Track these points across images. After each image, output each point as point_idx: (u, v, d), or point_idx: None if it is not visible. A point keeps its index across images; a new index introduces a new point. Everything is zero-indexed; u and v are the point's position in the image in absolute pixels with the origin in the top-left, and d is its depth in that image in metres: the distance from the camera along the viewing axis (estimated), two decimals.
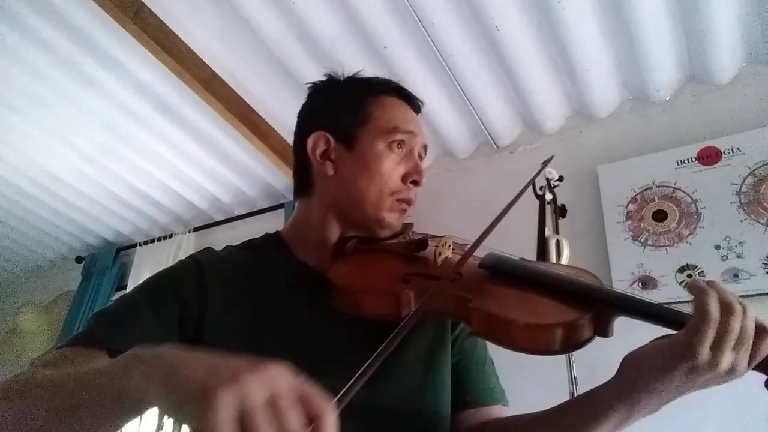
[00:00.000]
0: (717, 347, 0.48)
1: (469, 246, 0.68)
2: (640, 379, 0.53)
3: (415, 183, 0.79)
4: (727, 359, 0.48)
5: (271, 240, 0.84)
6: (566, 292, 0.61)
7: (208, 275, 0.71)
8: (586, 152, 2.00)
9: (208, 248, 0.81)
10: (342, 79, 0.85)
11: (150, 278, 0.73)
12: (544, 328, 0.57)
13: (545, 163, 0.82)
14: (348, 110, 0.80)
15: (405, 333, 0.51)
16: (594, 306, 0.58)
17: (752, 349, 0.49)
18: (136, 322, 0.65)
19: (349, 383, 0.44)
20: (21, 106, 2.33)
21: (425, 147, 0.84)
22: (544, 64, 1.88)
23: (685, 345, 0.49)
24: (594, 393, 0.61)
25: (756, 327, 0.49)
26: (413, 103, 0.85)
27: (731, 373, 0.49)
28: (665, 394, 0.52)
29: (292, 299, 0.73)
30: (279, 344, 0.68)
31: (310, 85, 0.87)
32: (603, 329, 0.58)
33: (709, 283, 0.52)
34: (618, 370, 0.56)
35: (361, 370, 0.46)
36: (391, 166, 0.77)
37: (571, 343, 0.57)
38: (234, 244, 0.83)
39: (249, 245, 0.83)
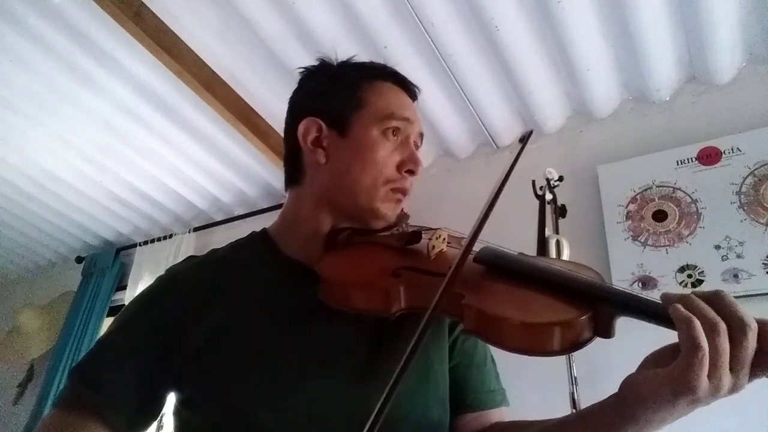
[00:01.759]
0: (714, 375, 0.45)
1: (465, 239, 0.64)
2: (641, 409, 0.50)
3: (411, 172, 0.75)
4: (726, 383, 0.45)
5: (257, 237, 0.81)
6: (565, 289, 0.57)
7: (186, 288, 0.70)
8: (586, 152, 2.00)
9: (191, 256, 0.80)
10: (335, 63, 0.82)
11: (127, 308, 0.72)
12: (541, 328, 0.54)
13: (524, 140, 0.76)
14: (341, 95, 0.76)
15: (422, 340, 0.49)
16: (594, 305, 0.54)
17: (756, 364, 0.46)
18: (116, 366, 0.64)
19: (378, 406, 0.45)
20: (21, 106, 2.33)
21: (421, 135, 0.80)
22: (544, 64, 1.88)
23: (683, 382, 0.46)
24: (595, 413, 0.58)
25: (761, 341, 0.46)
26: (409, 89, 0.82)
27: (734, 390, 0.47)
28: (668, 420, 0.50)
29: (278, 296, 0.71)
30: (267, 343, 0.67)
31: (302, 69, 0.84)
32: (604, 330, 0.54)
33: (687, 303, 0.48)
34: (618, 395, 0.53)
35: (387, 390, 0.46)
36: (386, 154, 0.73)
37: (569, 344, 0.53)
38: (218, 247, 0.81)
39: (234, 245, 0.81)
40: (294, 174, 0.80)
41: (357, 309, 0.65)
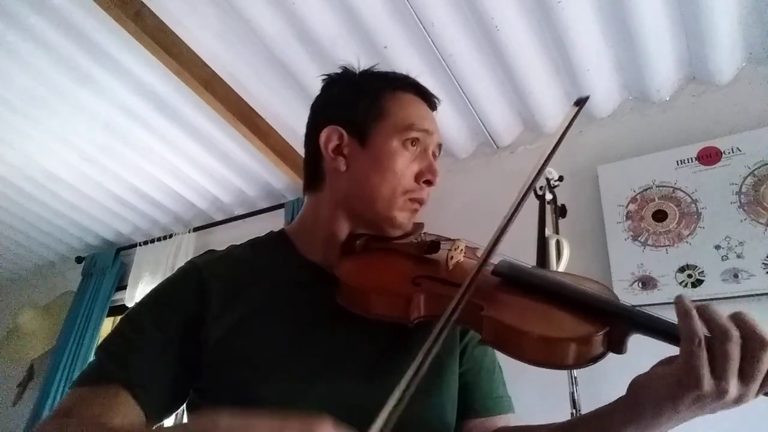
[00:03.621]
0: (722, 378, 0.46)
1: (482, 251, 0.65)
2: (649, 408, 0.52)
3: (429, 183, 0.77)
4: (733, 390, 0.46)
5: (276, 237, 0.83)
6: (582, 305, 0.59)
7: (208, 280, 0.71)
8: (586, 152, 2.00)
9: (210, 250, 0.80)
10: (358, 72, 0.83)
11: (151, 293, 0.73)
12: (558, 342, 0.55)
13: (581, 103, 0.72)
14: (363, 105, 0.78)
15: (436, 351, 0.50)
16: (610, 321, 0.56)
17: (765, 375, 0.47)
18: (143, 346, 0.65)
19: (388, 410, 0.45)
20: (21, 106, 2.33)
21: (440, 146, 0.82)
22: (544, 64, 1.88)
23: (686, 372, 0.47)
24: (603, 415, 0.59)
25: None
26: (430, 100, 0.83)
27: (740, 401, 0.48)
28: (674, 421, 0.51)
29: (295, 296, 0.72)
30: (276, 339, 0.68)
31: (325, 77, 0.85)
32: (617, 346, 0.56)
33: (701, 307, 0.50)
34: (627, 395, 0.55)
35: (398, 394, 0.47)
36: (405, 165, 0.75)
37: (583, 359, 0.55)
38: (237, 244, 0.82)
39: (252, 243, 0.82)
40: (314, 179, 0.81)
41: (376, 314, 0.66)
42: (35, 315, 3.32)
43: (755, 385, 0.47)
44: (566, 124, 0.64)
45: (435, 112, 0.85)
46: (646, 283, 1.68)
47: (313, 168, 0.81)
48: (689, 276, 1.63)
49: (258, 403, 0.63)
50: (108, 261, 3.26)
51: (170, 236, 3.08)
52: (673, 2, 1.62)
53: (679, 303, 0.50)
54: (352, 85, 0.82)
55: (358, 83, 0.82)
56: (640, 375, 0.54)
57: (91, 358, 0.67)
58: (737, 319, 0.49)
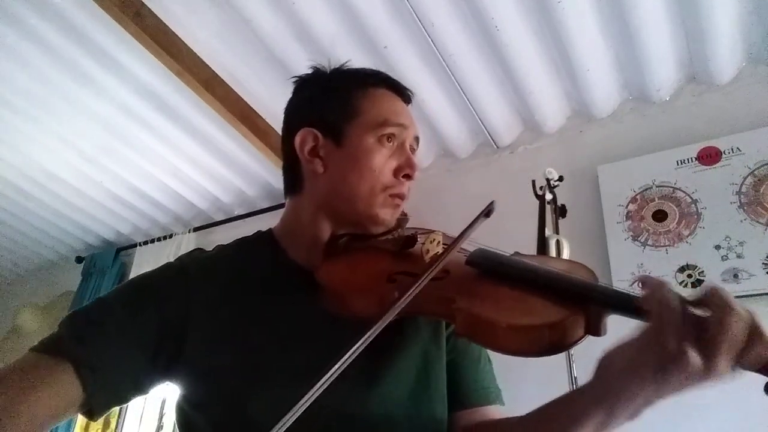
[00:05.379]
0: (682, 342, 0.44)
1: (445, 249, 0.64)
2: (614, 381, 0.50)
3: (408, 177, 0.75)
4: (694, 357, 0.44)
5: (263, 238, 0.82)
6: (554, 289, 0.57)
7: (193, 278, 0.70)
8: (586, 152, 2.00)
9: (198, 249, 0.80)
10: (329, 71, 0.82)
11: (132, 281, 0.72)
12: (529, 329, 0.54)
13: (487, 212, 0.75)
14: (335, 105, 0.77)
15: (374, 335, 0.48)
16: (584, 304, 0.54)
17: (739, 350, 0.44)
18: (107, 332, 0.64)
19: (311, 390, 0.43)
20: (21, 106, 2.33)
21: (417, 139, 0.80)
22: (544, 64, 1.88)
23: (651, 337, 0.46)
24: (571, 397, 0.58)
25: (749, 328, 0.44)
26: (403, 94, 0.81)
27: (709, 372, 0.44)
28: (641, 396, 0.48)
29: (280, 299, 0.72)
30: (264, 345, 0.67)
31: (295, 79, 0.84)
32: (594, 328, 0.54)
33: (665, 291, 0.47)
34: (594, 372, 0.53)
35: (327, 374, 0.45)
36: (382, 161, 0.73)
37: (559, 345, 0.53)
38: (225, 243, 0.81)
39: (240, 243, 0.81)
40: (293, 183, 0.80)
41: (355, 315, 0.65)
42: (35, 315, 3.31)
43: (723, 356, 0.44)
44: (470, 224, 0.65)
45: (410, 105, 0.83)
46: None
47: (291, 172, 0.80)
48: (689, 276, 1.63)
49: (248, 412, 0.62)
50: (108, 261, 3.26)
51: (170, 236, 3.08)
52: (673, 2, 1.62)
53: (644, 277, 0.49)
54: (323, 86, 0.81)
55: (329, 83, 0.81)
56: (606, 349, 0.52)
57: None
58: (711, 297, 0.47)
